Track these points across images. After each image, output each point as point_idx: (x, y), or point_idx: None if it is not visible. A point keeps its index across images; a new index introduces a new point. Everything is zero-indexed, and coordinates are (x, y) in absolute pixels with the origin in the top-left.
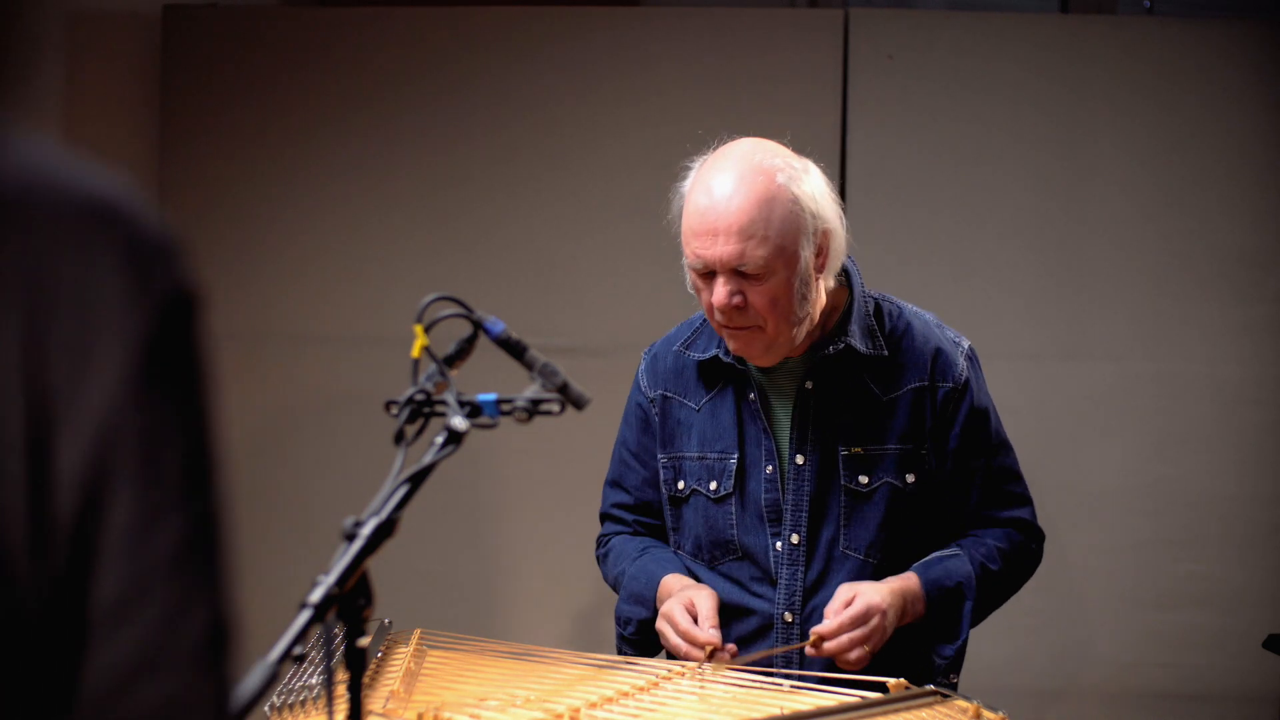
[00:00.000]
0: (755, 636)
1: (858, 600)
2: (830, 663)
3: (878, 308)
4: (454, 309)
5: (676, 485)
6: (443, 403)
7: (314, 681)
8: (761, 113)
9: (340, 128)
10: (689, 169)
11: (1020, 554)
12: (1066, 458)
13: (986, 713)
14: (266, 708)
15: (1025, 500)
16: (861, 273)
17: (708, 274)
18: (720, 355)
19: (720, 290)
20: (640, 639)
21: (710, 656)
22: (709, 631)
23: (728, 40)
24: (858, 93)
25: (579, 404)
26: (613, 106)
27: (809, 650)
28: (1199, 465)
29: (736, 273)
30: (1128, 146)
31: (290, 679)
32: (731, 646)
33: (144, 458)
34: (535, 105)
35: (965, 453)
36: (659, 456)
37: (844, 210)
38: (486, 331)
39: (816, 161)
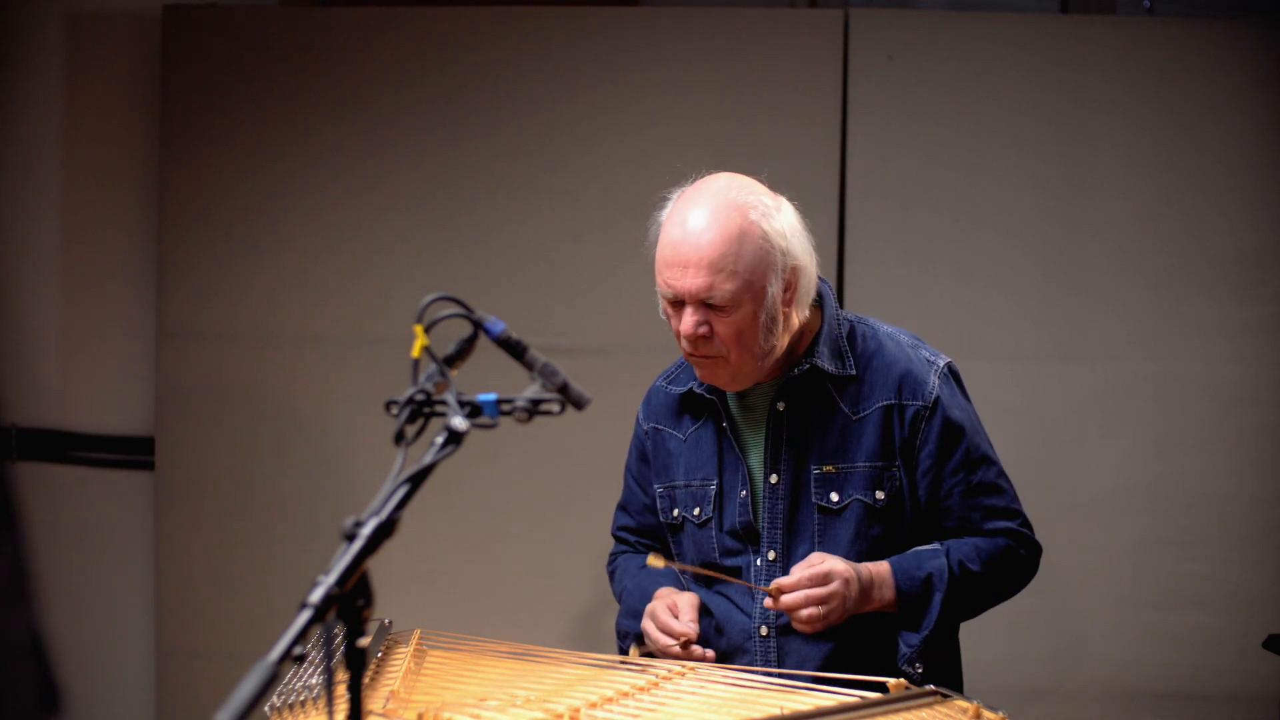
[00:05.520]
0: (736, 651)
1: (823, 563)
2: (823, 664)
3: (851, 330)
4: (454, 309)
5: (671, 513)
6: (443, 403)
7: (314, 681)
8: (761, 113)
9: (340, 127)
10: (667, 199)
11: (1006, 559)
12: (1066, 458)
13: (986, 713)
14: (266, 708)
15: (1011, 513)
16: (843, 285)
17: (677, 303)
18: (694, 388)
19: (688, 320)
20: (634, 634)
21: (685, 646)
22: (687, 625)
23: (728, 40)
24: (858, 93)
25: (579, 404)
26: (613, 106)
27: (767, 603)
28: (1199, 465)
29: (704, 304)
30: (1128, 147)
31: (290, 679)
32: (709, 652)
33: None
34: (535, 105)
35: (939, 473)
36: (655, 487)
37: (815, 246)
38: (486, 331)
39: (821, 165)
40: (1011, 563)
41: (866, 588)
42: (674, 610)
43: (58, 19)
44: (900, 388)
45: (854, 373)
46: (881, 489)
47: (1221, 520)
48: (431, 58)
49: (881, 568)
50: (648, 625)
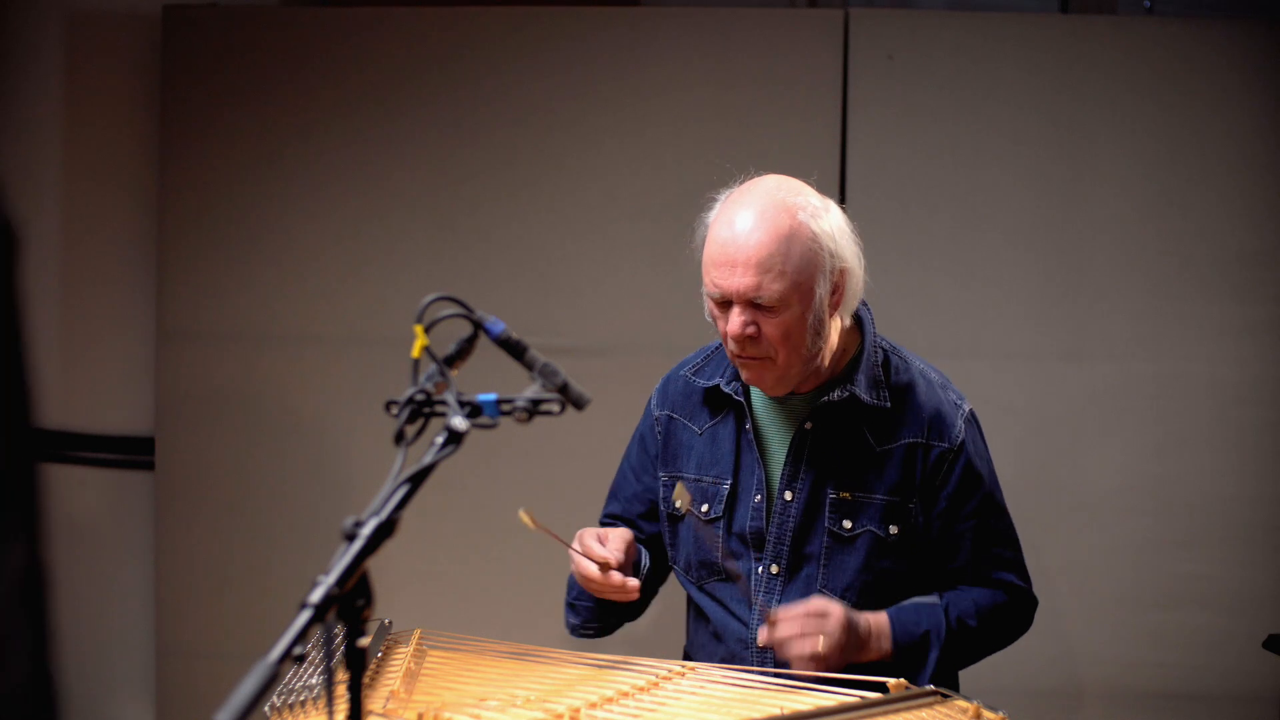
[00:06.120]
0: (731, 657)
1: (820, 602)
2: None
3: (886, 359)
4: (454, 309)
5: (674, 504)
6: (443, 403)
7: (314, 681)
8: (761, 113)
9: (340, 128)
10: (715, 200)
11: (1005, 614)
12: (1066, 458)
13: (986, 713)
14: (266, 708)
15: (1015, 565)
16: (871, 297)
17: (724, 303)
18: (721, 385)
19: (735, 320)
20: (582, 604)
21: (604, 570)
22: (607, 551)
23: (728, 40)
24: (858, 93)
25: (579, 404)
26: (613, 106)
27: (761, 635)
28: (1199, 465)
29: (752, 304)
30: (1128, 147)
31: (290, 679)
32: (631, 581)
33: None
34: (535, 105)
35: (955, 514)
36: (660, 474)
37: (862, 251)
38: (487, 331)
39: (821, 165)
40: (1009, 618)
41: (865, 637)
42: (603, 539)
43: (58, 19)
44: (929, 428)
45: (887, 405)
46: (895, 524)
47: (1221, 520)
48: (431, 58)
49: (880, 619)
50: (575, 547)
